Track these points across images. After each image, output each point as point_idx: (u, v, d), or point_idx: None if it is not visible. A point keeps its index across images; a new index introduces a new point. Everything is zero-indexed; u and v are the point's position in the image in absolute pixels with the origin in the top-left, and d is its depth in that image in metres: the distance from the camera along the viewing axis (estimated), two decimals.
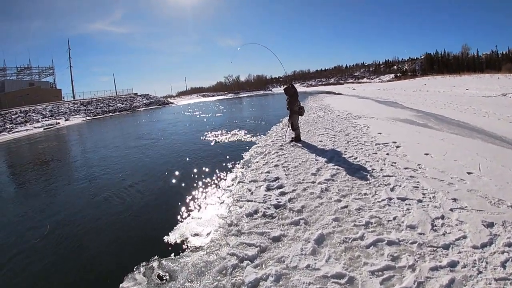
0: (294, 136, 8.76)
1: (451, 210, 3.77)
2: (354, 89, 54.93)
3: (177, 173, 7.04)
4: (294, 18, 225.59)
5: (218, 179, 6.12)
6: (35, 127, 27.97)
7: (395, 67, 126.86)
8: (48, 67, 64.75)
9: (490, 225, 3.38)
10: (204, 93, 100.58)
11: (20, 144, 16.84)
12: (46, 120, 32.45)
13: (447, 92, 26.59)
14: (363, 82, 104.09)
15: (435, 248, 3.02)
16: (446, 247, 3.03)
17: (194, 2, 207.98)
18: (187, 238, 3.74)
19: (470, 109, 13.92)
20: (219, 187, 5.58)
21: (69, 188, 6.80)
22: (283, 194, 4.78)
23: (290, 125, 8.89)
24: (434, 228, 3.38)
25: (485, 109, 13.43)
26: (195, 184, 5.95)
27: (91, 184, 6.82)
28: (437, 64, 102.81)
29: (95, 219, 4.80)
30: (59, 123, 31.45)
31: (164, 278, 3.01)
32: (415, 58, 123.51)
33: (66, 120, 34.40)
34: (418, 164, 5.70)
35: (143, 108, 48.65)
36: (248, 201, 4.65)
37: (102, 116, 39.23)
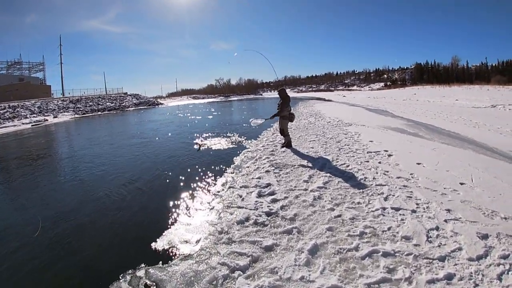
0: (284, 142, 8.67)
1: (445, 221, 3.72)
2: (344, 96, 55.25)
3: (164, 177, 6.88)
4: (286, 25, 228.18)
5: (208, 184, 5.99)
6: (23, 123, 27.66)
7: (385, 75, 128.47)
8: (39, 62, 64.30)
9: (485, 237, 3.34)
10: (194, 95, 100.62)
11: (7, 140, 16.43)
12: (34, 117, 32.08)
13: (437, 102, 26.86)
14: (353, 90, 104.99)
15: (431, 260, 2.96)
16: (442, 259, 2.98)
17: (190, 5, 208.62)
18: (175, 246, 3.61)
19: (460, 120, 14.05)
20: (209, 192, 5.45)
21: (49, 189, 6.57)
22: (275, 201, 4.68)
23: (280, 131, 8.80)
24: (429, 239, 3.33)
25: (475, 120, 13.56)
26: (184, 189, 5.82)
27: (74, 187, 6.59)
28: (427, 74, 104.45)
29: (78, 225, 4.60)
30: (47, 119, 31.08)
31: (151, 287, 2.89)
32: (405, 67, 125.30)
33: (55, 117, 34.06)
34: (411, 174, 5.67)
35: (132, 108, 48.34)
36: (239, 207, 4.53)
37: (91, 114, 38.92)
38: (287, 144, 8.62)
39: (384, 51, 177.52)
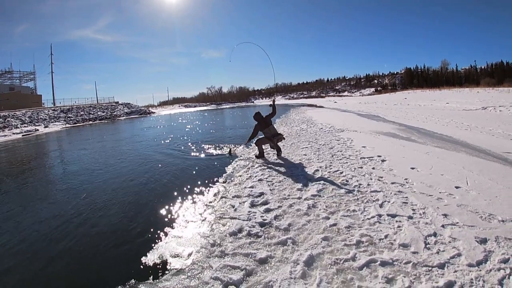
0: (276, 152, 8.55)
1: (442, 226, 3.65)
2: (335, 102, 55.67)
3: (154, 187, 6.73)
4: (277, 32, 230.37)
5: (199, 194, 5.84)
6: (14, 133, 27.37)
7: (376, 81, 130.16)
8: (30, 72, 64.13)
9: (483, 241, 3.27)
10: (186, 104, 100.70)
11: None
12: (25, 127, 31.83)
13: (428, 106, 27.10)
14: (344, 96, 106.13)
15: (430, 268, 2.87)
16: (441, 266, 2.89)
17: (181, 14, 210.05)
18: (166, 260, 3.46)
19: (452, 123, 14.13)
20: (201, 203, 5.30)
21: (39, 200, 6.29)
22: (268, 210, 4.56)
23: (270, 145, 8.71)
24: (427, 246, 3.24)
25: (467, 122, 13.65)
26: (174, 199, 5.65)
27: (62, 199, 6.35)
28: (417, 79, 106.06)
29: (63, 236, 4.43)
30: (38, 130, 30.84)
31: None
32: (395, 72, 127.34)
33: (46, 127, 33.79)
34: (405, 179, 5.61)
35: (123, 117, 48.15)
36: (231, 218, 4.41)
37: (82, 124, 38.67)
38: (259, 155, 8.48)
39: (373, 56, 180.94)
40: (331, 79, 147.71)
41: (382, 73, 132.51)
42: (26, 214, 5.57)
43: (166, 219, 4.74)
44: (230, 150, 9.69)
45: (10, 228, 4.95)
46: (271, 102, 9.05)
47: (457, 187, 5.02)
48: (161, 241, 4.00)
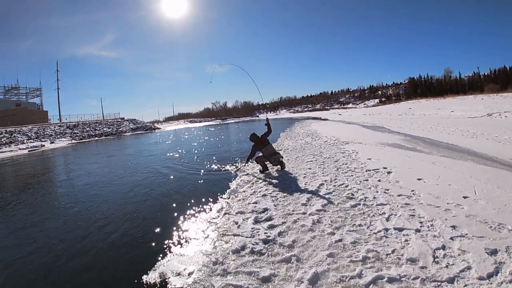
0: (280, 166, 8.51)
1: (451, 238, 3.54)
2: (340, 114, 55.71)
3: (157, 202, 6.68)
4: (282, 45, 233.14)
5: (203, 210, 5.77)
6: (20, 149, 27.91)
7: (380, 92, 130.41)
8: (36, 88, 65.75)
9: (494, 252, 3.17)
10: (191, 119, 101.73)
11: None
12: (31, 142, 32.38)
13: (433, 115, 26.96)
14: (349, 108, 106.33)
15: (439, 283, 2.76)
16: (451, 280, 2.78)
17: (185, 29, 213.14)
18: (168, 278, 3.38)
19: (458, 131, 14.00)
20: (204, 219, 5.22)
21: (43, 215, 6.27)
22: (272, 227, 4.47)
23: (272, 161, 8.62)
24: (436, 260, 3.13)
25: (473, 130, 13.52)
26: (177, 216, 5.59)
27: (64, 216, 6.29)
28: (420, 88, 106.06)
29: (63, 253, 4.35)
30: (44, 145, 31.32)
31: None
32: (398, 82, 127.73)
33: (52, 142, 34.31)
34: (412, 190, 5.50)
35: (129, 133, 48.69)
36: (234, 235, 4.32)
37: (87, 140, 39.17)
38: (263, 169, 8.49)
39: (377, 67, 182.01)
40: (335, 91, 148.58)
41: (386, 84, 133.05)
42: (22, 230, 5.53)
43: (168, 236, 4.67)
44: (238, 169, 9.56)
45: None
46: (266, 122, 9.18)
47: (465, 197, 4.91)
48: (162, 258, 3.92)
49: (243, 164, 9.30)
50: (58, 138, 37.94)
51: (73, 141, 37.58)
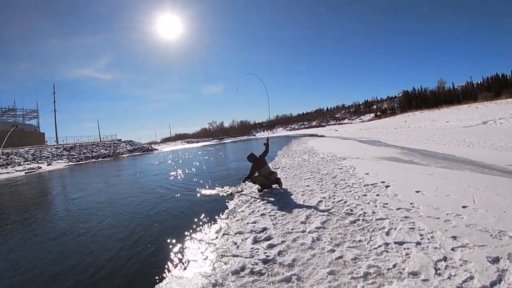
0: (278, 184, 8.51)
1: (452, 249, 3.51)
2: (336, 130, 56.05)
3: (154, 224, 6.59)
4: (277, 64, 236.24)
5: (201, 231, 5.70)
6: (17, 170, 27.74)
7: (375, 106, 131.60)
8: (33, 110, 65.83)
9: (496, 260, 3.14)
10: (188, 140, 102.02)
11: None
12: (28, 164, 32.23)
13: (428, 126, 27.13)
14: (345, 123, 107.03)
15: None
16: None
17: (179, 51, 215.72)
18: None
19: (454, 141, 14.07)
20: (202, 241, 5.14)
21: (39, 237, 6.16)
22: (271, 246, 4.41)
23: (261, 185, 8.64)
24: (438, 272, 3.09)
25: (469, 139, 13.60)
26: (175, 237, 5.49)
27: (61, 234, 6.30)
28: (415, 100, 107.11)
29: (59, 274, 4.25)
30: (41, 167, 31.30)
31: None
32: (393, 96, 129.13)
33: (48, 164, 34.28)
34: (411, 203, 5.47)
35: (126, 155, 48.75)
36: (234, 256, 4.25)
37: (85, 162, 39.16)
38: (261, 188, 8.48)
39: (371, 82, 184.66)
40: (330, 107, 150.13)
41: (381, 98, 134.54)
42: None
43: (166, 258, 4.60)
44: (231, 193, 9.46)
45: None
46: (265, 141, 9.28)
47: (464, 207, 4.90)
48: (161, 281, 3.85)
49: (242, 184, 9.26)
50: (55, 160, 37.94)
51: (70, 163, 37.57)
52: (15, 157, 34.34)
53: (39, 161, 35.27)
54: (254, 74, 12.77)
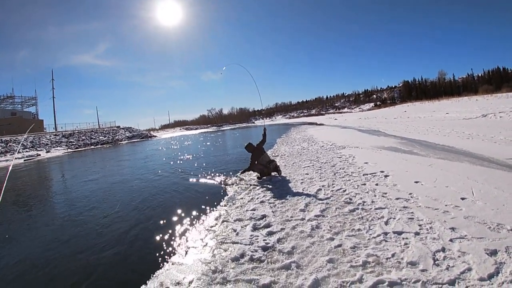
0: (276, 172, 8.53)
1: (451, 240, 3.53)
2: (335, 119, 55.92)
3: (154, 212, 6.62)
4: (276, 51, 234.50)
5: (201, 218, 5.73)
6: (15, 158, 27.52)
7: (374, 96, 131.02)
8: (31, 97, 65.61)
9: (494, 252, 3.16)
10: (187, 126, 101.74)
11: None
12: (26, 151, 32.18)
13: (428, 117, 27.09)
14: (344, 112, 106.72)
15: (440, 285, 2.74)
16: (451, 282, 2.77)
17: (179, 37, 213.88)
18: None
19: (453, 133, 14.06)
20: (202, 227, 5.17)
21: (41, 222, 6.15)
22: (271, 233, 4.44)
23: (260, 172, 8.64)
24: (436, 262, 3.12)
25: (468, 131, 13.59)
26: (175, 224, 5.55)
27: (60, 225, 6.28)
28: (415, 91, 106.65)
29: (61, 261, 4.36)
30: (39, 154, 31.33)
31: None
32: (393, 86, 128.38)
33: (47, 152, 34.27)
34: (410, 193, 5.50)
35: (125, 141, 48.71)
36: (233, 243, 4.28)
37: (83, 148, 39.10)
38: (260, 176, 8.50)
39: (371, 71, 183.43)
40: (330, 96, 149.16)
41: (381, 88, 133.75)
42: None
43: (166, 245, 4.64)
44: (235, 175, 9.49)
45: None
46: (263, 131, 9.22)
47: (463, 198, 4.91)
48: (161, 268, 3.87)
49: (241, 172, 9.27)
50: (54, 147, 37.89)
51: (69, 150, 37.51)
52: (14, 144, 34.35)
53: (38, 149, 35.23)
54: (239, 64, 12.68)
